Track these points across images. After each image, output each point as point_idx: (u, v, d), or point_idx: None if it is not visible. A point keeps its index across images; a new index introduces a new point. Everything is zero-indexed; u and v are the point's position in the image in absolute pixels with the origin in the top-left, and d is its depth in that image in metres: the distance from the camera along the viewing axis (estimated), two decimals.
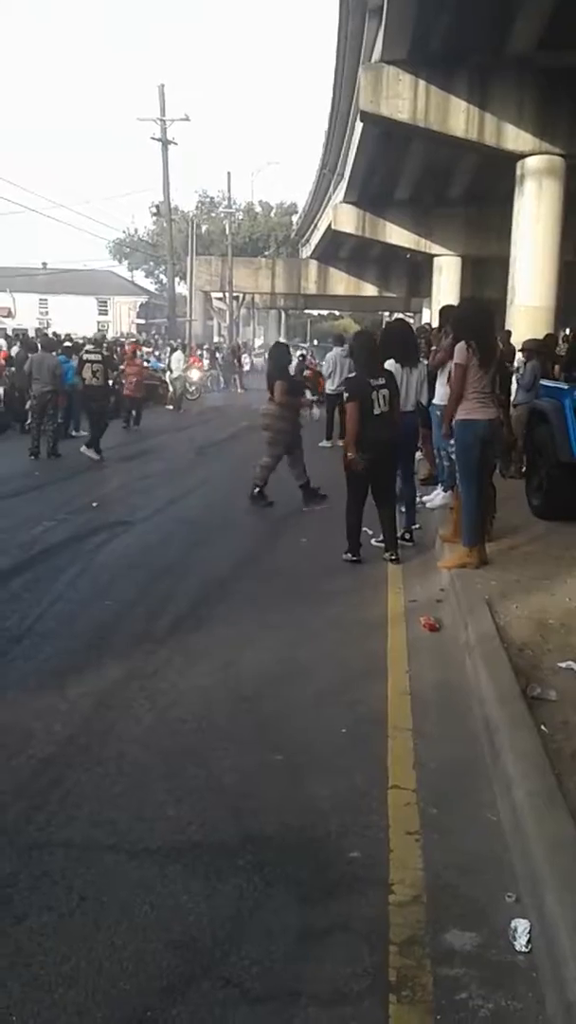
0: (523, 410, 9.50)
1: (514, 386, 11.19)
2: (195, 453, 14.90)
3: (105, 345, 18.18)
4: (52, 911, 2.89)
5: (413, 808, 3.53)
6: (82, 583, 6.80)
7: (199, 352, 33.47)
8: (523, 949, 2.71)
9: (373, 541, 7.67)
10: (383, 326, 9.34)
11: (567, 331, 12.33)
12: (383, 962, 2.67)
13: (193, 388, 27.65)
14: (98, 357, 14.00)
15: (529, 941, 2.73)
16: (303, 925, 2.84)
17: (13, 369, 17.47)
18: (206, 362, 33.55)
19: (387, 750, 4.03)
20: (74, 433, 16.06)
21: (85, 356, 14.08)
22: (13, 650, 5.33)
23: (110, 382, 15.06)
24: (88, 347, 15.08)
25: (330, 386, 15.98)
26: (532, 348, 11.14)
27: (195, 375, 26.98)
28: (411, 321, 55.31)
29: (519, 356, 11.77)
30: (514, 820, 3.27)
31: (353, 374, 7.65)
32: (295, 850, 3.24)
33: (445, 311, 8.89)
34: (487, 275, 27.87)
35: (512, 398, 10.80)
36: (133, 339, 34.73)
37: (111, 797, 3.60)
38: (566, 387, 8.58)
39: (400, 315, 59.28)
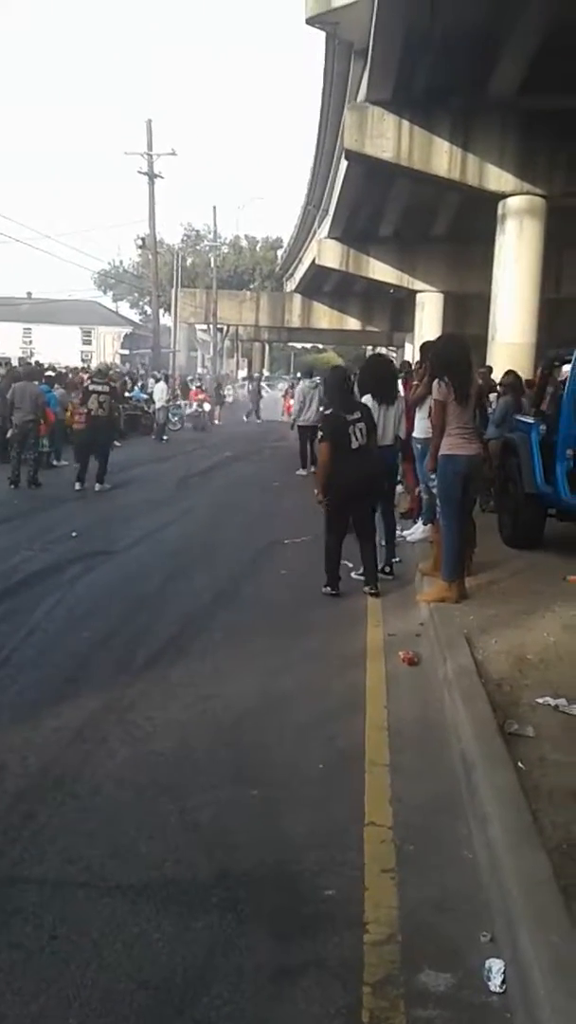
0: (494, 445, 9.62)
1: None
2: (176, 484, 14.89)
3: (111, 374, 17.99)
4: (21, 949, 2.84)
5: (389, 845, 3.50)
6: (59, 614, 6.75)
7: (197, 384, 34.59)
8: (497, 989, 2.69)
9: (353, 574, 7.68)
10: (365, 361, 9.39)
11: (539, 369, 12.49)
12: (356, 1002, 2.64)
13: (176, 419, 27.69)
14: (105, 388, 13.91)
15: (504, 981, 2.70)
16: (276, 964, 2.80)
17: None
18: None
19: (364, 786, 4.01)
20: (55, 463, 16.03)
21: (91, 387, 13.94)
22: None
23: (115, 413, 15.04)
24: (95, 378, 14.90)
25: (302, 418, 16.20)
26: (508, 384, 11.27)
27: (206, 406, 29.29)
28: (394, 356, 55.74)
29: (492, 395, 11.90)
30: (490, 858, 3.25)
31: (328, 411, 7.68)
32: (270, 887, 3.21)
33: (425, 347, 8.97)
34: (469, 311, 28.16)
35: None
36: (85, 370, 34.14)
37: (84, 832, 3.56)
38: (533, 422, 8.84)
39: (381, 350, 59.72)
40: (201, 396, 30.78)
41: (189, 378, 40.25)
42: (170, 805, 3.78)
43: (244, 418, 34.82)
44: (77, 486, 13.41)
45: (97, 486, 13.43)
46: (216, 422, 32.14)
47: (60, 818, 3.66)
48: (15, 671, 5.47)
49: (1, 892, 3.15)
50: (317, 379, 17.21)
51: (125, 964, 2.78)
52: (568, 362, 8.52)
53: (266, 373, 48.31)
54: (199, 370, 53.94)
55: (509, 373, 11.77)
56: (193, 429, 27.51)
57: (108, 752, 4.30)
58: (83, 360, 56.46)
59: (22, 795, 3.84)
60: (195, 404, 30.04)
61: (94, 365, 43.03)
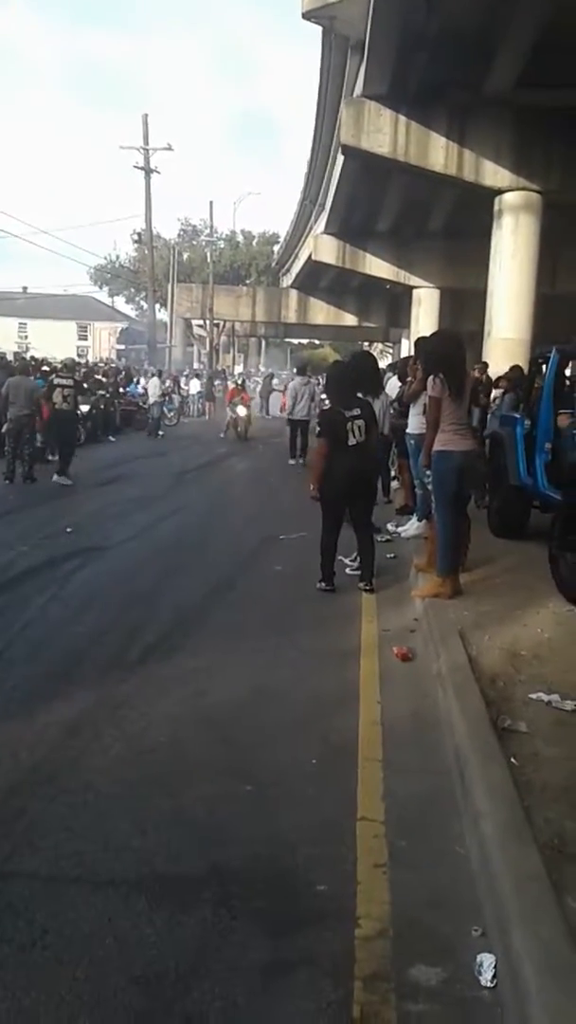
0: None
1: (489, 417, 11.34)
2: (172, 479, 14.88)
3: (78, 370, 17.99)
4: (12, 943, 2.84)
5: (381, 840, 3.50)
6: (53, 609, 6.74)
7: (237, 382, 27.55)
8: (488, 984, 2.69)
9: (348, 570, 7.69)
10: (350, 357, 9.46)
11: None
12: (347, 997, 2.64)
13: (172, 414, 27.65)
14: (69, 382, 14.03)
15: (495, 976, 2.71)
16: (268, 959, 2.81)
17: None
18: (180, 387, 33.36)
19: (357, 781, 4.01)
20: (51, 458, 15.99)
21: (56, 380, 14.13)
22: None
23: (80, 408, 15.04)
24: (60, 372, 15.02)
25: (295, 412, 17.58)
26: (513, 379, 11.30)
27: (242, 411, 22.88)
28: (390, 352, 55.72)
29: (495, 391, 11.92)
30: (482, 854, 3.25)
31: (327, 406, 7.67)
32: (262, 882, 3.21)
33: (420, 343, 8.97)
34: (465, 307, 28.18)
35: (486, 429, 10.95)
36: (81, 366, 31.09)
37: (76, 828, 3.55)
38: (518, 416, 9.07)
39: (378, 346, 59.61)
40: (239, 398, 23.61)
41: (184, 373, 40.10)
42: (163, 800, 3.78)
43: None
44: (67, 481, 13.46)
45: (55, 477, 13.42)
46: (207, 418, 32.00)
47: (52, 813, 3.66)
48: (8, 666, 5.46)
49: None
50: (309, 376, 17.94)
51: (117, 959, 2.78)
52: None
53: (264, 369, 48.13)
54: (195, 365, 53.79)
55: (515, 368, 11.78)
56: (237, 437, 22.59)
57: (101, 747, 4.30)
58: (79, 355, 56.36)
59: (14, 790, 3.84)
60: (233, 408, 23.44)
61: (90, 360, 43.08)
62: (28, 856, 3.35)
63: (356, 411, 7.20)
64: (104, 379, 26.50)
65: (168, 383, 29.80)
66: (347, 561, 7.76)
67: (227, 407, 24.18)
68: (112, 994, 2.63)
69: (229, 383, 30.66)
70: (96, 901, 3.07)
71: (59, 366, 16.75)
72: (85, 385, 17.42)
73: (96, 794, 3.83)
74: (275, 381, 39.51)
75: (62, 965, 2.75)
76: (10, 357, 25.87)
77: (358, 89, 18.45)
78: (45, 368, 19.33)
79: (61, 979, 2.69)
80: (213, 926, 2.96)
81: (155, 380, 24.95)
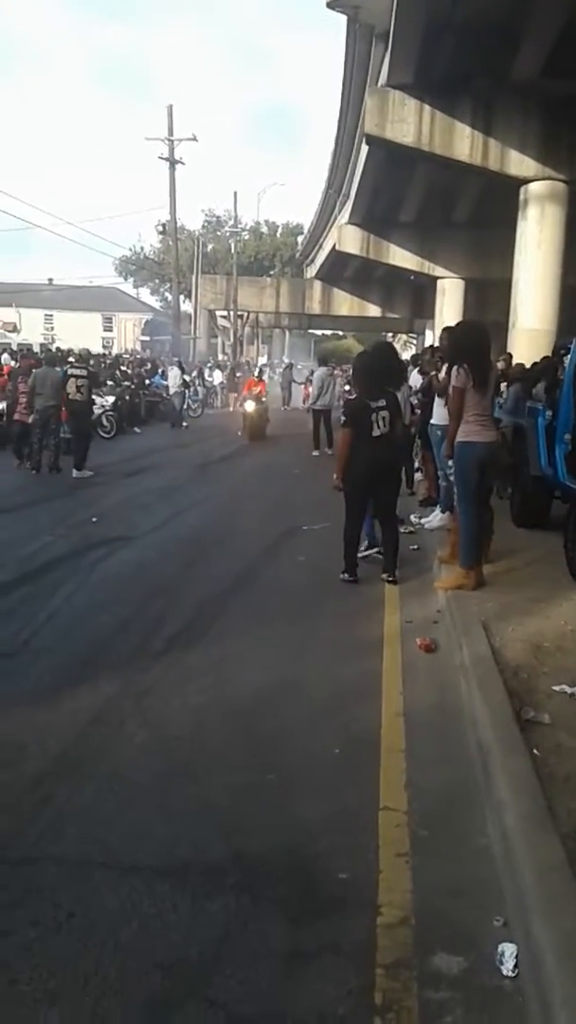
0: (506, 431, 9.74)
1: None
2: (195, 471, 14.94)
3: (104, 361, 17.98)
4: (39, 926, 2.89)
5: (403, 830, 3.52)
6: (79, 599, 6.80)
7: (257, 373, 25.78)
8: (510, 973, 2.70)
9: (370, 552, 7.71)
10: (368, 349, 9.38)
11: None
12: (369, 984, 2.66)
13: (196, 406, 27.63)
14: (83, 372, 13.94)
15: (516, 966, 2.72)
16: (290, 946, 2.83)
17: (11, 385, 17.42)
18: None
19: (379, 771, 4.02)
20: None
21: (70, 371, 14.03)
22: (7, 665, 5.34)
23: (96, 399, 15.06)
24: (75, 362, 14.94)
25: (319, 403, 17.56)
26: (517, 376, 11.37)
27: (249, 406, 20.22)
28: (414, 343, 55.44)
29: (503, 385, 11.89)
30: (504, 844, 3.26)
31: (353, 396, 7.65)
32: (284, 870, 3.24)
33: (446, 333, 8.93)
34: (490, 297, 28.03)
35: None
36: (12, 351, 29.71)
37: (102, 814, 3.60)
38: (540, 407, 9.07)
39: (402, 337, 59.25)
40: (257, 388, 21.14)
41: (209, 363, 40.04)
42: (186, 788, 3.82)
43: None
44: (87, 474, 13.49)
45: (74, 473, 13.34)
46: (230, 409, 31.94)
47: (78, 800, 3.71)
48: (34, 654, 5.53)
49: (20, 871, 3.20)
50: (332, 367, 17.93)
51: (141, 944, 2.82)
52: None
53: (286, 360, 47.94)
54: (220, 357, 53.81)
55: (546, 359, 11.72)
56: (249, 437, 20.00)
57: (125, 735, 4.34)
58: (104, 347, 56.58)
59: (41, 777, 3.89)
60: (245, 400, 21.28)
61: (115, 352, 43.22)
62: (54, 841, 3.39)
63: (381, 402, 7.19)
64: (128, 371, 26.61)
65: (193, 374, 29.79)
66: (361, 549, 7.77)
67: (240, 402, 22.50)
68: (136, 977, 2.67)
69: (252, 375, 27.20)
70: (121, 886, 3.11)
71: (101, 358, 16.81)
72: (101, 377, 17.05)
73: (121, 781, 3.87)
74: (296, 370, 39.24)
75: (87, 948, 2.79)
76: (37, 348, 26.06)
77: (383, 78, 18.36)
78: (71, 360, 19.41)
79: (86, 962, 2.72)
80: (236, 912, 2.99)
81: (176, 371, 24.70)
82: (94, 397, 18.08)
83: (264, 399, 21.37)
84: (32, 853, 3.32)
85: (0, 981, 2.64)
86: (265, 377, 31.79)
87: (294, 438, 19.79)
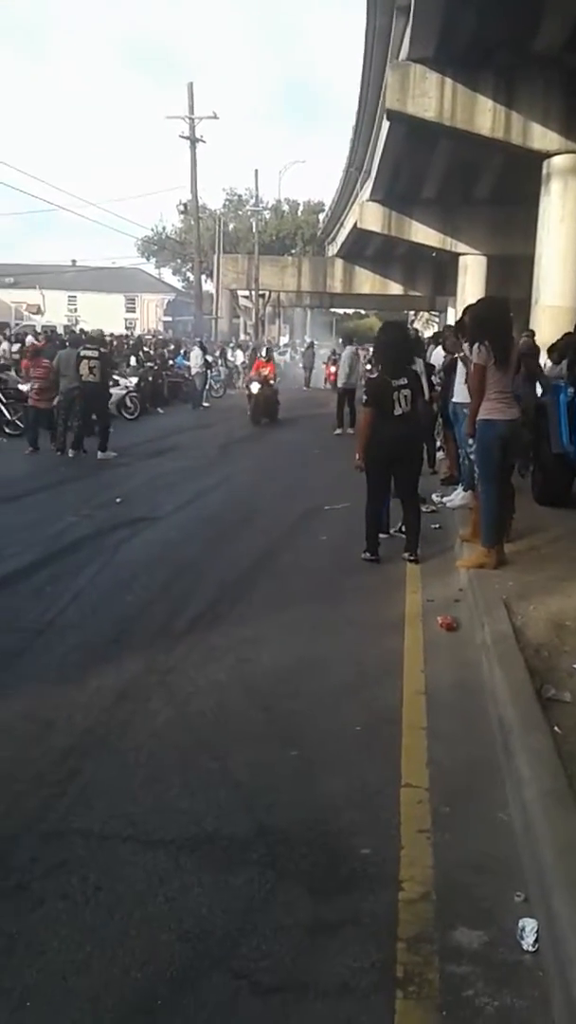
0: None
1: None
2: (217, 451, 14.97)
3: (111, 341, 17.79)
4: (68, 899, 2.95)
5: (425, 806, 3.55)
6: (103, 578, 6.87)
7: (263, 355, 22.84)
8: (530, 948, 2.73)
9: (392, 530, 7.72)
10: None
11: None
12: (391, 958, 2.70)
13: (218, 385, 27.62)
14: (95, 353, 13.83)
15: (536, 940, 2.74)
16: (313, 919, 2.87)
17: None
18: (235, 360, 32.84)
19: (401, 748, 4.05)
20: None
21: (82, 352, 13.91)
22: (35, 643, 5.42)
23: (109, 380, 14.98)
24: (87, 343, 14.82)
25: (340, 381, 17.59)
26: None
27: (255, 387, 19.18)
28: (437, 320, 55.04)
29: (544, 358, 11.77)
30: (525, 820, 3.28)
31: (374, 374, 7.63)
32: (307, 845, 3.28)
33: (467, 310, 8.87)
34: (513, 274, 27.75)
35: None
36: (37, 332, 29.22)
37: (128, 789, 3.66)
38: (562, 384, 9.06)
39: (423, 315, 58.69)
40: (266, 371, 19.99)
41: (231, 344, 39.95)
42: (211, 764, 3.87)
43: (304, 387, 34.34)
44: (71, 453, 13.55)
45: (99, 454, 13.36)
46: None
47: (104, 774, 3.77)
48: (61, 633, 5.60)
49: (48, 845, 3.26)
50: (357, 346, 17.85)
51: (166, 916, 2.87)
52: None
53: (307, 340, 47.79)
54: (242, 337, 53.74)
55: (568, 335, 11.61)
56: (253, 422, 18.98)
57: (150, 712, 4.40)
58: (127, 327, 56.63)
59: (68, 752, 3.96)
60: (251, 381, 20.15)
61: (137, 332, 43.22)
62: (82, 816, 3.46)
63: (403, 380, 7.17)
64: (151, 351, 26.63)
65: (216, 354, 29.75)
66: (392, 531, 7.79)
67: (246, 383, 21.18)
68: (162, 948, 2.72)
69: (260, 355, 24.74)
70: (147, 860, 3.17)
71: (124, 338, 16.73)
72: (117, 357, 16.65)
73: (146, 757, 3.93)
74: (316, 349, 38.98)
75: (114, 920, 2.85)
76: (60, 330, 26.11)
77: (404, 52, 18.18)
78: (85, 341, 19.42)
79: (114, 934, 2.78)
80: (260, 886, 3.03)
81: (197, 351, 24.58)
82: (116, 378, 18.13)
83: (274, 381, 20.26)
84: (60, 827, 3.38)
85: (30, 952, 2.71)
86: (282, 356, 31.13)
87: (316, 418, 19.79)
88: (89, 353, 13.82)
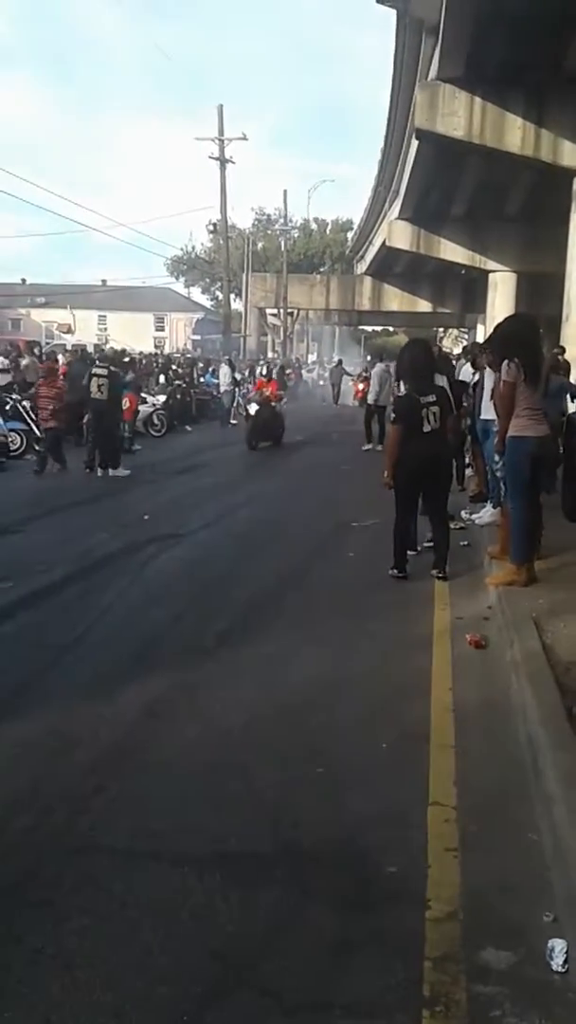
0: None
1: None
2: (244, 468, 15.02)
3: (141, 360, 17.75)
4: (93, 914, 2.95)
5: (453, 825, 3.52)
6: (132, 594, 6.90)
7: (263, 373, 21.91)
8: (560, 969, 2.69)
9: (419, 547, 7.69)
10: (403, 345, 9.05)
11: None
12: (418, 977, 2.67)
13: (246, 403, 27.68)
14: (104, 372, 13.79)
15: (566, 961, 2.70)
16: (339, 937, 2.85)
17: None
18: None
19: (428, 766, 4.02)
20: (133, 448, 16.24)
21: (93, 370, 13.92)
22: (64, 658, 5.45)
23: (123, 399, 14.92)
24: (98, 361, 14.86)
25: (371, 398, 17.61)
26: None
27: (253, 408, 17.82)
28: (466, 337, 54.94)
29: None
30: (554, 840, 3.24)
31: (402, 392, 7.63)
32: (333, 863, 3.26)
33: (497, 327, 8.85)
34: (543, 291, 27.62)
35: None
36: (156, 356, 29.59)
37: (154, 805, 3.66)
38: None
39: (452, 332, 58.47)
40: (268, 391, 18.54)
41: (261, 362, 40.09)
42: (237, 781, 3.86)
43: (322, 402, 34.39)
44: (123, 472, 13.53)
45: (109, 471, 13.32)
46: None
47: (130, 790, 3.77)
48: (89, 649, 5.63)
49: (74, 860, 3.27)
50: (387, 363, 17.92)
51: (192, 932, 2.86)
52: None
53: (335, 357, 47.84)
54: (270, 354, 53.94)
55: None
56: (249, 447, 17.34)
57: (177, 728, 4.40)
58: (156, 346, 57.09)
59: (94, 767, 3.97)
60: (249, 403, 18.88)
61: (167, 351, 43.53)
62: (107, 831, 3.46)
63: (431, 397, 7.16)
64: (180, 370, 26.81)
65: (245, 372, 29.87)
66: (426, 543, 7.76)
67: (245, 404, 19.62)
68: (188, 965, 2.71)
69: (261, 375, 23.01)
70: (172, 876, 3.17)
71: (138, 356, 16.74)
72: (124, 376, 15.91)
73: (172, 773, 3.94)
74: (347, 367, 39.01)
75: (140, 936, 2.84)
76: (91, 349, 26.35)
77: (433, 72, 18.25)
78: (125, 360, 19.60)
79: (139, 949, 2.78)
80: (285, 904, 3.02)
81: (225, 368, 24.66)
82: (144, 396, 18.22)
83: (277, 403, 18.47)
84: (86, 842, 3.39)
85: (56, 965, 2.71)
86: (310, 373, 30.79)
87: (344, 435, 19.79)
88: (99, 371, 13.82)
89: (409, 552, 7.51)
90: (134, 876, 3.17)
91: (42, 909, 2.98)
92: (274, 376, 21.58)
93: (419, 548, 7.81)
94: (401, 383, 8.07)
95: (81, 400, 13.97)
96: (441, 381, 7.79)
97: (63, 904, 3.00)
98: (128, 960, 2.73)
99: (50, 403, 13.57)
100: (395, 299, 46.61)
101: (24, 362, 21.09)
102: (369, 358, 24.26)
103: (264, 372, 21.69)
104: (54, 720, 4.50)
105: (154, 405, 19.52)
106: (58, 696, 4.85)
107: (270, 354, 55.71)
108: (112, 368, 14.20)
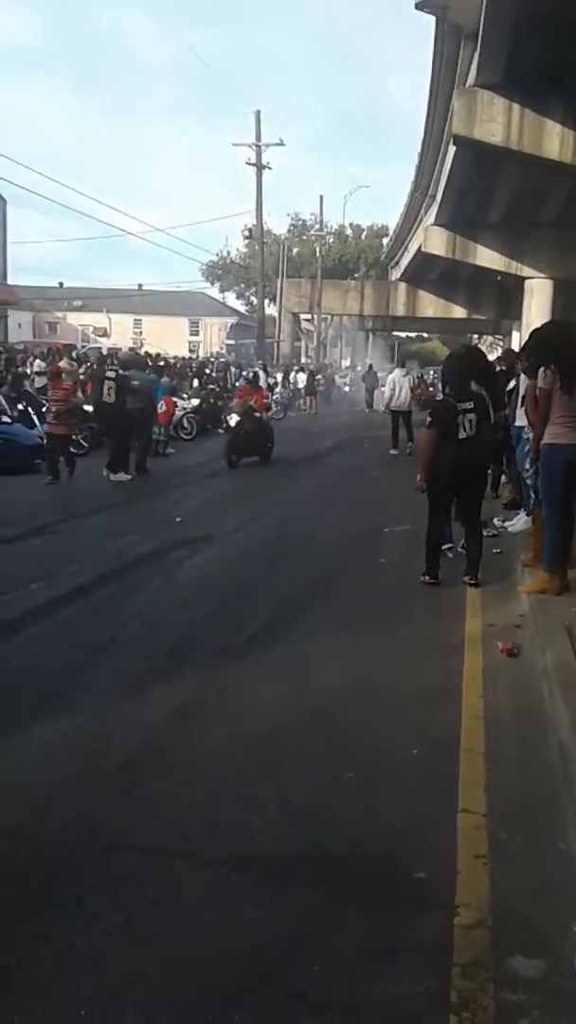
0: None
1: None
2: (276, 471, 15.04)
3: (175, 364, 17.69)
4: (123, 912, 2.98)
5: (482, 832, 3.51)
6: (163, 596, 6.95)
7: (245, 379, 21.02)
8: None
9: (450, 554, 7.66)
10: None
11: None
12: (446, 983, 2.66)
13: (278, 408, 27.74)
14: (114, 375, 13.71)
15: None
16: (366, 942, 2.86)
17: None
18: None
19: (458, 773, 4.01)
20: (167, 452, 16.32)
21: (106, 373, 13.92)
22: (95, 659, 5.50)
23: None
24: (110, 365, 14.80)
25: (394, 403, 17.74)
26: None
27: (234, 420, 15.57)
28: (501, 344, 54.63)
29: None
30: None
31: (440, 397, 7.62)
32: (362, 867, 3.27)
33: (533, 334, 8.80)
34: None
35: None
36: (190, 360, 29.83)
37: (184, 805, 3.69)
38: None
39: (488, 339, 58.31)
40: (252, 400, 16.33)
41: (295, 366, 40.06)
42: (266, 783, 3.87)
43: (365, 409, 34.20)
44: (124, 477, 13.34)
45: (112, 476, 13.05)
46: (312, 411, 31.86)
47: (160, 791, 3.80)
48: (120, 650, 5.68)
49: (106, 859, 3.30)
50: (408, 369, 17.97)
51: (219, 932, 2.88)
52: None
53: (367, 362, 47.73)
54: (303, 360, 53.98)
55: None
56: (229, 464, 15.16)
57: (207, 730, 4.43)
58: (191, 350, 57.41)
59: (125, 767, 4.01)
60: (230, 413, 16.46)
61: (201, 355, 43.71)
62: (138, 831, 3.49)
63: (469, 404, 7.14)
64: (213, 374, 26.98)
65: (279, 376, 29.93)
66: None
67: (226, 414, 17.34)
68: (216, 964, 2.73)
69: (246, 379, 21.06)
70: (201, 877, 3.19)
71: (173, 360, 16.67)
72: (134, 381, 15.35)
73: (202, 774, 3.96)
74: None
75: (169, 935, 2.86)
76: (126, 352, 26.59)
77: (471, 78, 18.18)
78: (160, 364, 19.71)
79: (168, 948, 2.80)
80: (313, 907, 3.02)
81: (260, 373, 24.82)
82: (176, 400, 18.27)
83: (263, 412, 16.80)
84: (117, 841, 3.41)
85: (86, 963, 2.73)
86: (343, 378, 30.52)
87: (375, 440, 19.75)
88: (110, 375, 13.79)
89: (444, 547, 7.50)
90: (164, 875, 3.19)
91: (73, 907, 3.01)
92: (263, 384, 20.12)
93: (454, 548, 7.77)
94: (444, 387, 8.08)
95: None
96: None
97: (94, 902, 3.03)
98: (157, 958, 2.75)
99: (55, 406, 13.26)
100: (430, 305, 46.41)
101: (62, 364, 21.27)
102: (399, 364, 24.02)
103: (251, 377, 19.99)
104: (87, 720, 4.55)
105: (184, 409, 19.62)
106: (91, 696, 4.90)
107: (303, 359, 55.75)
108: (120, 371, 14.07)
